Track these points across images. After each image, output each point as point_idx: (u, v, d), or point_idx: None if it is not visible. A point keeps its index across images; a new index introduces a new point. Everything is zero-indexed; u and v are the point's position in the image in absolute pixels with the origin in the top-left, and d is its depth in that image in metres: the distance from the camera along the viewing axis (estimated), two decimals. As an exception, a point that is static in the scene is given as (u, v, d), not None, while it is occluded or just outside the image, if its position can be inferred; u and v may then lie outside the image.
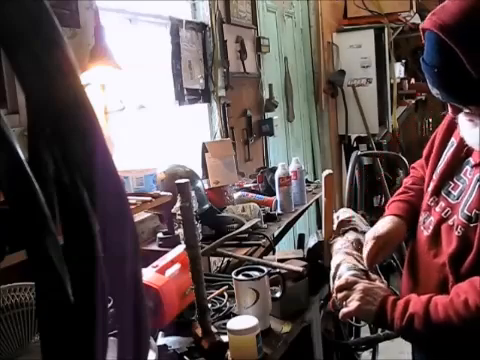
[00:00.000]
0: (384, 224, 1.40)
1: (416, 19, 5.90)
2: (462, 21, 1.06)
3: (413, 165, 1.61)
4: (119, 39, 2.29)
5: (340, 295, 1.26)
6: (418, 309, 1.14)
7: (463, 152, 1.26)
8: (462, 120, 1.20)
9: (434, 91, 1.15)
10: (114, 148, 2.11)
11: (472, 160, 1.24)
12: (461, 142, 1.26)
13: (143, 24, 2.53)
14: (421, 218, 1.33)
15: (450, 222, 1.22)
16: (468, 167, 1.25)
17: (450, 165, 1.28)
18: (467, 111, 1.15)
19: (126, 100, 2.22)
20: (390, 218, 1.41)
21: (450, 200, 1.25)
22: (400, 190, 1.54)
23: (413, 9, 5.38)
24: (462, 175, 1.25)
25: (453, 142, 1.31)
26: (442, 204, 1.27)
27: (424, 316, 1.12)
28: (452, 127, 1.33)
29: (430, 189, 1.32)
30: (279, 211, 2.48)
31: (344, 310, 1.24)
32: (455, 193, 1.25)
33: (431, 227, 1.28)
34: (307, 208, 2.91)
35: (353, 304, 1.22)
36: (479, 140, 1.17)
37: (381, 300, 1.19)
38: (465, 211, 1.19)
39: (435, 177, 1.32)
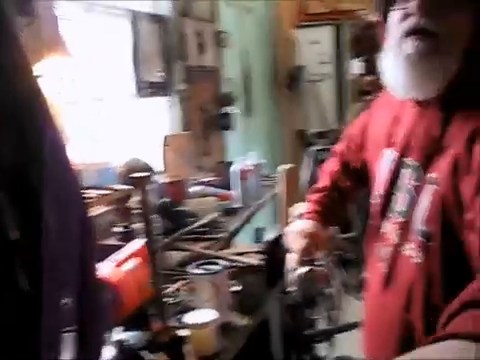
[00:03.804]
0: (306, 225, 1.31)
1: (374, 17, 5.98)
2: None
3: (334, 149, 1.41)
4: (76, 29, 2.25)
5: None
6: None
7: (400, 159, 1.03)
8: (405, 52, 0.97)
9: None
10: (69, 140, 2.07)
11: (411, 160, 0.99)
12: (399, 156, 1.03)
13: (101, 15, 2.49)
14: (377, 251, 1.08)
15: (407, 251, 0.98)
16: (407, 171, 1.00)
17: (390, 179, 1.04)
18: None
19: (83, 92, 2.18)
20: (311, 223, 1.31)
21: (399, 218, 1.01)
22: (321, 185, 1.38)
23: (371, 7, 5.46)
24: (402, 183, 1.01)
25: (390, 155, 1.05)
26: (391, 226, 1.03)
27: None
28: (391, 130, 1.08)
29: (377, 212, 1.09)
30: (237, 205, 2.49)
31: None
32: (402, 208, 1.00)
33: (388, 261, 1.03)
34: (265, 202, 2.93)
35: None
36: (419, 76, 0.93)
37: None
38: (420, 226, 0.94)
39: (379, 192, 1.08)
